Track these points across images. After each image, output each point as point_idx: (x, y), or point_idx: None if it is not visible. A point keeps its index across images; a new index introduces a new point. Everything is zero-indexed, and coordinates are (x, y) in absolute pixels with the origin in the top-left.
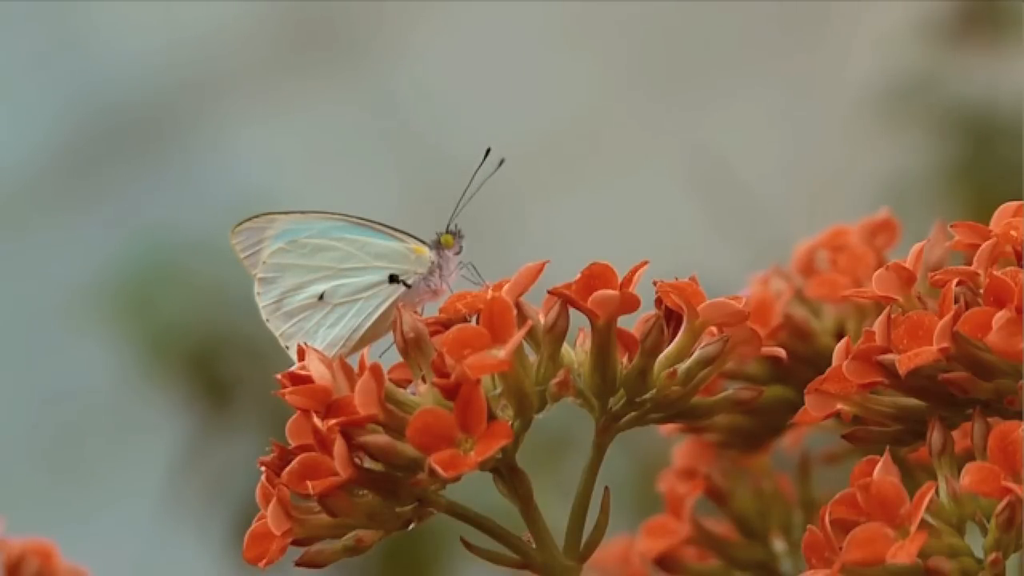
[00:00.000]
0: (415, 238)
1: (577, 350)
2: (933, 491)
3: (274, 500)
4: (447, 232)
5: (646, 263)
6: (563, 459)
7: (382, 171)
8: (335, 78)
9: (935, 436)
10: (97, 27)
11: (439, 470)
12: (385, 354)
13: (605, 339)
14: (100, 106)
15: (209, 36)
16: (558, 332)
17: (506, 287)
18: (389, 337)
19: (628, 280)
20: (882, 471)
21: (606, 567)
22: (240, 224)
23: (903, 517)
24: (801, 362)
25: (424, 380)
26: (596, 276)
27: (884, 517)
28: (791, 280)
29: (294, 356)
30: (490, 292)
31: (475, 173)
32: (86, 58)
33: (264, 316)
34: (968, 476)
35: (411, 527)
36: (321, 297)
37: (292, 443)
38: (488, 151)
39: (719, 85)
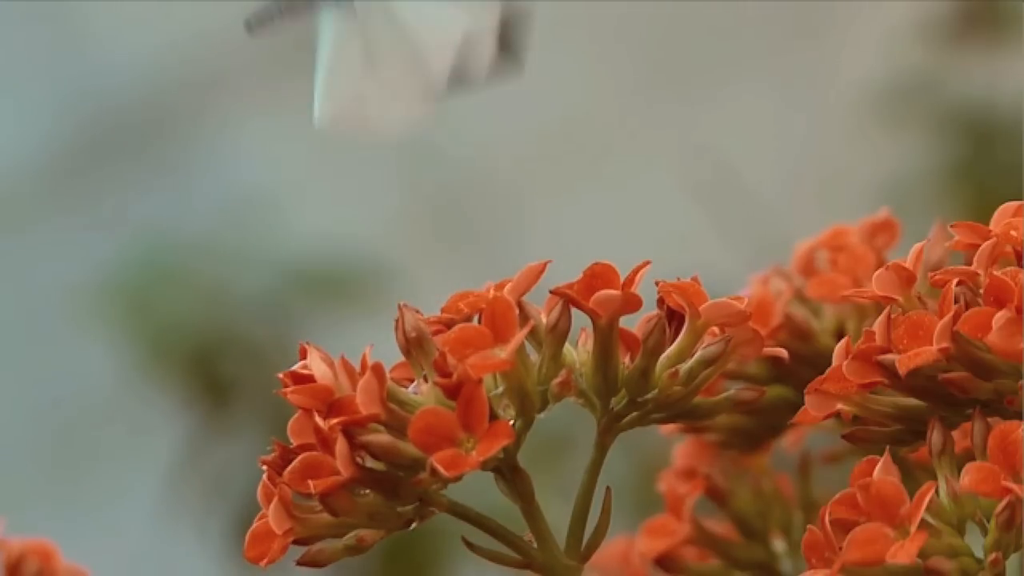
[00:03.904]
0: None
1: (579, 350)
2: (933, 491)
3: (276, 499)
4: None
5: (648, 263)
6: (564, 459)
7: (382, 170)
8: None
9: (935, 436)
10: (96, 27)
11: (441, 470)
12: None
13: (607, 339)
14: (99, 106)
15: (208, 36)
16: (560, 332)
17: (508, 287)
18: (390, 337)
19: (630, 280)
20: (882, 471)
21: (607, 567)
22: None
23: (903, 517)
24: (801, 362)
25: (426, 379)
26: (598, 276)
27: (884, 517)
28: (791, 280)
29: None
30: (492, 292)
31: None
32: (85, 58)
33: None
34: (968, 476)
35: (412, 526)
36: None
37: (294, 442)
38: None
39: (719, 85)
